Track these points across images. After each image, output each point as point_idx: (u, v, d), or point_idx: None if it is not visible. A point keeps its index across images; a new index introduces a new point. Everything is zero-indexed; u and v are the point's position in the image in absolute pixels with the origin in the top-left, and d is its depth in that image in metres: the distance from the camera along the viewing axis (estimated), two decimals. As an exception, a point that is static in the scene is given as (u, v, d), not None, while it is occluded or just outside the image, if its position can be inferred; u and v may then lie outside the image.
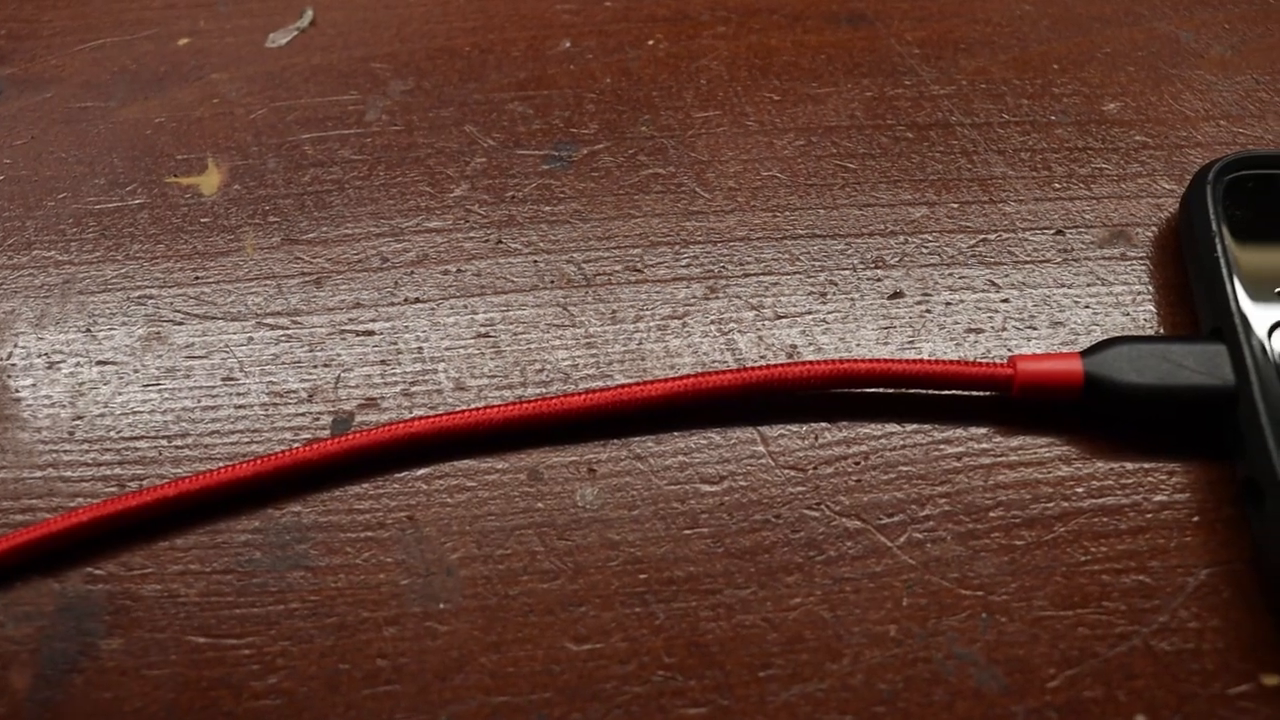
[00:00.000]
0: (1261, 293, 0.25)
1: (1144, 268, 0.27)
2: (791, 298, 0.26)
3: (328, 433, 0.25)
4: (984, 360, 0.25)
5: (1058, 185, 0.28)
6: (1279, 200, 0.26)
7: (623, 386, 0.24)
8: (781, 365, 0.24)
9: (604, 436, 0.25)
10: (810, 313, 0.26)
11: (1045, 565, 0.23)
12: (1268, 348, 0.25)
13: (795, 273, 0.26)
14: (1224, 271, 0.25)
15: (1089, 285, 0.27)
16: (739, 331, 0.26)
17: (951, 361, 0.24)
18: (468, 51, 0.30)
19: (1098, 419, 0.25)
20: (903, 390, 0.25)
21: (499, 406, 0.24)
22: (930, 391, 0.25)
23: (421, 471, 0.24)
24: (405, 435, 0.24)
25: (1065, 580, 0.23)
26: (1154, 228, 0.27)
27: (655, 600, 0.23)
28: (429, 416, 0.24)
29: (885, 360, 0.24)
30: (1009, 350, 0.26)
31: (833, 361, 0.24)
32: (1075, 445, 0.25)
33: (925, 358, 0.25)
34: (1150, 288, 0.27)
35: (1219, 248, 0.26)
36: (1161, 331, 0.26)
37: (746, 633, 0.23)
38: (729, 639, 0.23)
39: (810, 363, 0.24)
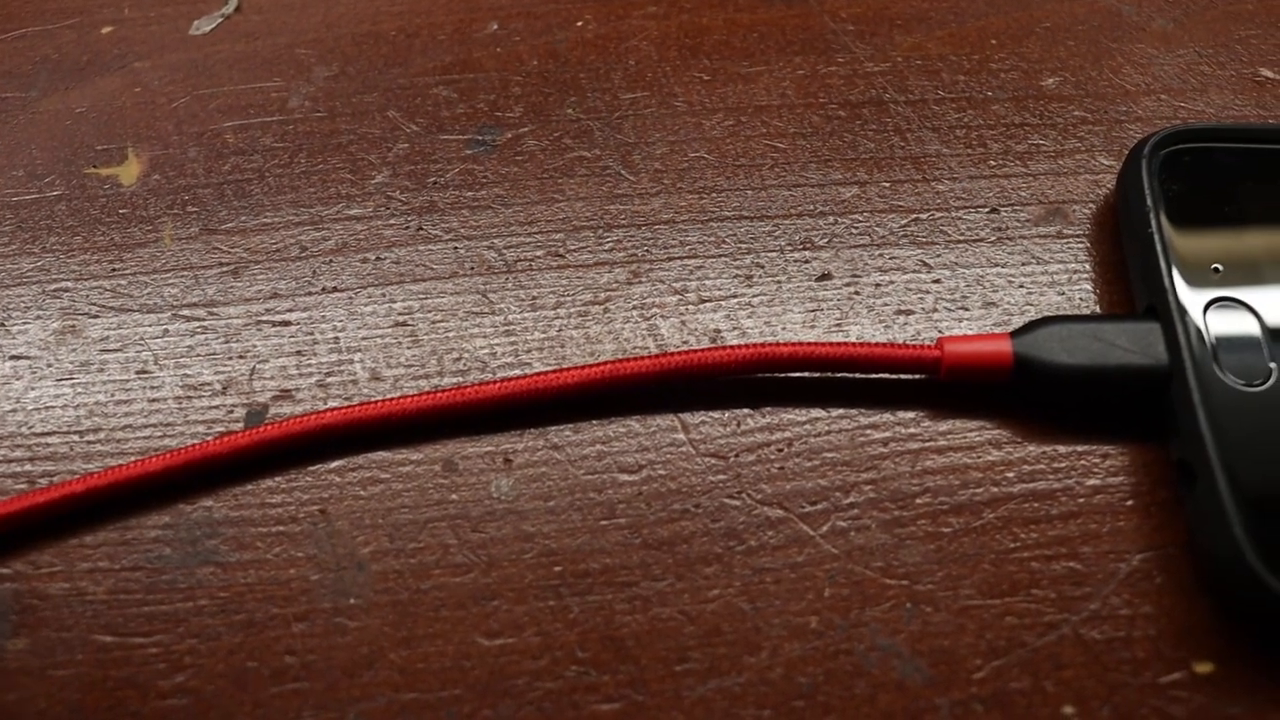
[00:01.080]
0: (1197, 270, 0.25)
1: (1081, 246, 0.26)
2: (716, 281, 0.26)
3: (241, 425, 0.24)
4: (912, 342, 0.25)
5: (993, 162, 0.27)
6: (1216, 174, 0.26)
7: (539, 375, 0.24)
8: (701, 351, 0.24)
9: (521, 426, 0.24)
10: (735, 296, 0.25)
11: (973, 553, 0.23)
12: (1202, 326, 0.24)
13: (721, 255, 0.26)
14: (1158, 248, 0.25)
15: (1023, 264, 0.26)
16: (661, 317, 0.25)
17: (877, 344, 0.24)
18: (393, 36, 0.29)
19: (1030, 401, 0.24)
20: (829, 375, 0.24)
21: (413, 397, 0.24)
22: (858, 376, 0.24)
23: (335, 464, 0.24)
24: (317, 427, 0.24)
25: (993, 568, 0.23)
26: (1092, 205, 0.27)
27: (570, 593, 0.22)
28: (341, 408, 0.24)
29: (808, 344, 0.24)
30: (940, 332, 0.25)
31: (754, 346, 0.24)
32: (1007, 429, 0.24)
33: (850, 340, 0.24)
34: (1087, 266, 0.26)
35: (1153, 224, 0.25)
36: (1098, 311, 0.25)
37: (663, 626, 0.22)
38: (644, 632, 0.22)
39: (731, 348, 0.24)
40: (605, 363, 0.24)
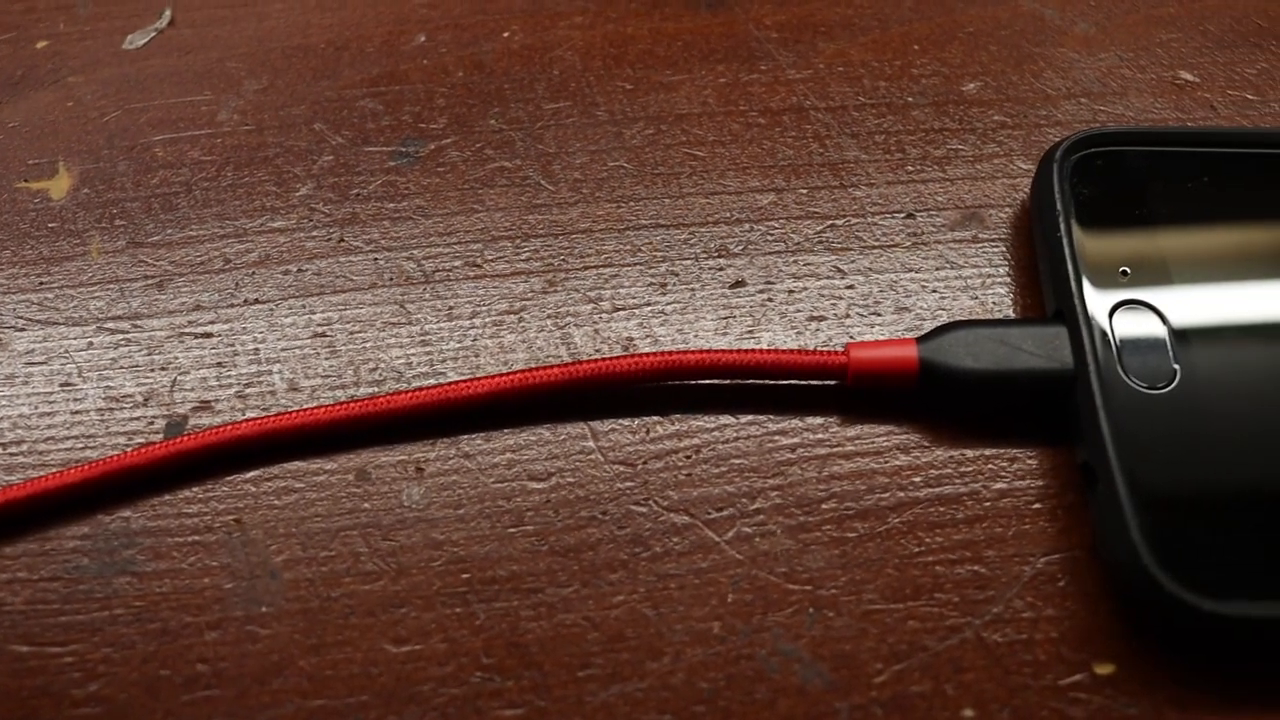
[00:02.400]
0: (1105, 273, 0.25)
1: (996, 250, 0.26)
2: (631, 289, 0.26)
3: (161, 437, 0.25)
4: (822, 349, 0.25)
5: (911, 168, 0.27)
6: (1128, 178, 0.26)
7: (450, 385, 0.24)
8: (609, 359, 0.24)
9: (434, 435, 0.24)
10: (649, 304, 0.26)
11: (877, 558, 0.23)
12: (1108, 330, 0.24)
13: (636, 264, 0.26)
14: (1066, 251, 0.25)
15: (938, 269, 0.26)
16: (575, 325, 0.25)
17: (783, 351, 0.24)
18: (323, 49, 0.30)
19: (937, 407, 0.24)
20: (740, 381, 0.25)
21: (326, 407, 0.24)
22: (769, 382, 0.25)
23: (251, 474, 0.24)
24: (232, 438, 0.24)
25: (897, 572, 0.23)
26: (1009, 209, 0.27)
27: (476, 600, 0.23)
28: (256, 419, 0.24)
29: (715, 352, 0.24)
30: (851, 337, 0.25)
31: (661, 355, 0.24)
32: (915, 433, 0.24)
33: (757, 348, 0.24)
34: (1001, 270, 0.26)
35: (1062, 227, 0.25)
36: (1011, 315, 0.26)
37: (567, 632, 0.22)
38: (549, 638, 0.22)
39: (638, 356, 0.24)
40: (514, 372, 0.24)
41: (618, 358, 0.24)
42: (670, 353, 0.24)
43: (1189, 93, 0.29)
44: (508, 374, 0.24)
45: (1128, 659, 0.22)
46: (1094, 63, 0.29)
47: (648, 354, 0.24)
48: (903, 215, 0.27)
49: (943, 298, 0.26)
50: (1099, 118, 0.28)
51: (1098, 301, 0.24)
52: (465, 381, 0.24)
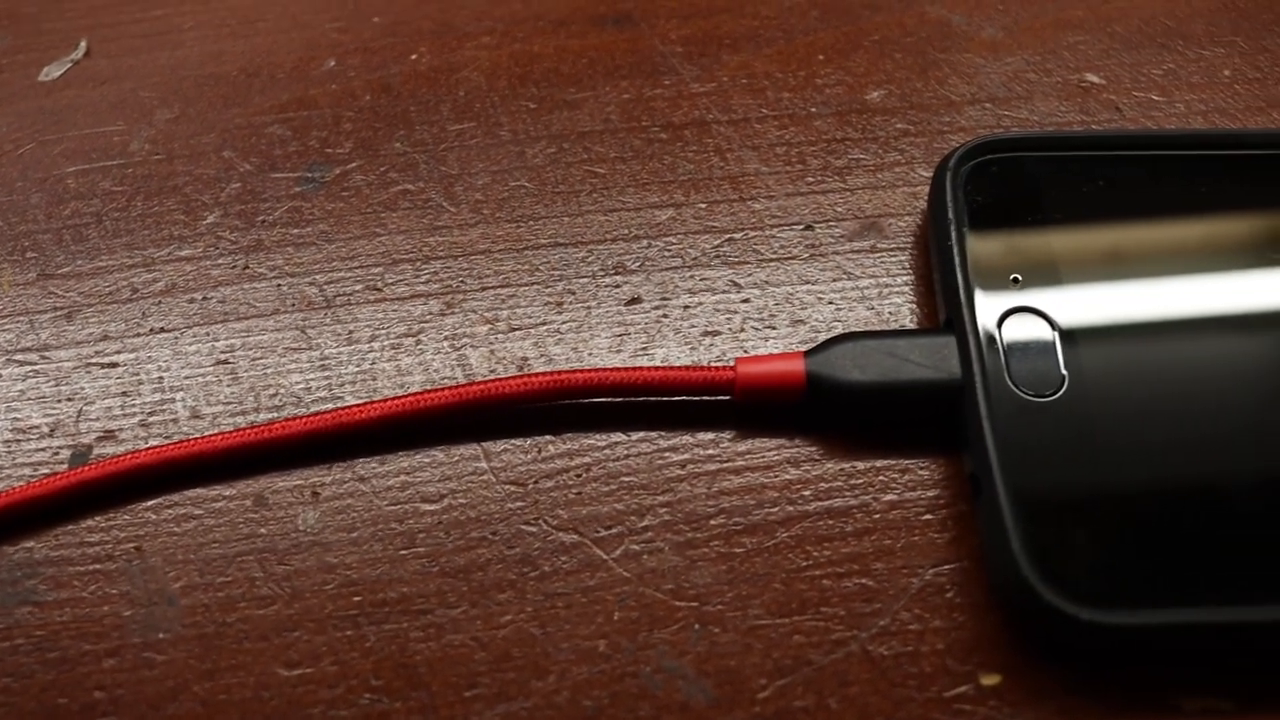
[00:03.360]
0: (995, 280, 0.25)
1: (894, 259, 0.26)
2: (528, 309, 0.26)
3: (66, 467, 0.25)
4: (714, 364, 0.25)
5: (811, 179, 0.27)
6: (1023, 184, 0.26)
7: (342, 409, 0.24)
8: (497, 380, 0.24)
9: (330, 460, 0.24)
10: (545, 323, 0.26)
11: (764, 572, 0.23)
12: (997, 337, 0.24)
13: (534, 283, 0.26)
14: (955, 259, 0.25)
15: (835, 280, 0.26)
16: (471, 346, 0.26)
17: (671, 368, 0.24)
18: (234, 76, 0.30)
19: (830, 420, 0.24)
20: (632, 399, 0.25)
21: (223, 434, 0.24)
22: (662, 399, 0.25)
23: (152, 502, 0.24)
24: (131, 467, 0.24)
25: (784, 587, 0.23)
26: (908, 217, 0.27)
27: (367, 622, 0.23)
28: (155, 447, 0.24)
29: (603, 370, 0.24)
30: (745, 352, 0.25)
31: (550, 374, 0.24)
32: (806, 447, 0.24)
33: (645, 365, 0.24)
34: (899, 280, 0.26)
35: (953, 235, 0.25)
36: (908, 325, 0.26)
37: (455, 652, 0.23)
38: (437, 659, 0.23)
39: (526, 376, 0.24)
40: (405, 396, 0.24)
41: (506, 379, 0.24)
42: (558, 373, 0.24)
43: (1094, 95, 0.29)
44: (399, 397, 0.24)
45: (1014, 669, 0.22)
46: (1000, 67, 0.29)
47: (536, 374, 0.24)
48: (801, 227, 0.27)
49: (839, 309, 0.26)
50: (1003, 123, 0.28)
51: (988, 309, 0.24)
52: (358, 406, 0.24)
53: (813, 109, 0.28)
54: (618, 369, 0.24)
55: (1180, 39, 0.30)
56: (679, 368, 0.24)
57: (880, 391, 0.24)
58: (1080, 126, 0.28)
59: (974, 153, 0.26)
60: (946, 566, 0.23)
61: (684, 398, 0.25)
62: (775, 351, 0.25)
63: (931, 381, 0.24)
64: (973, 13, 0.30)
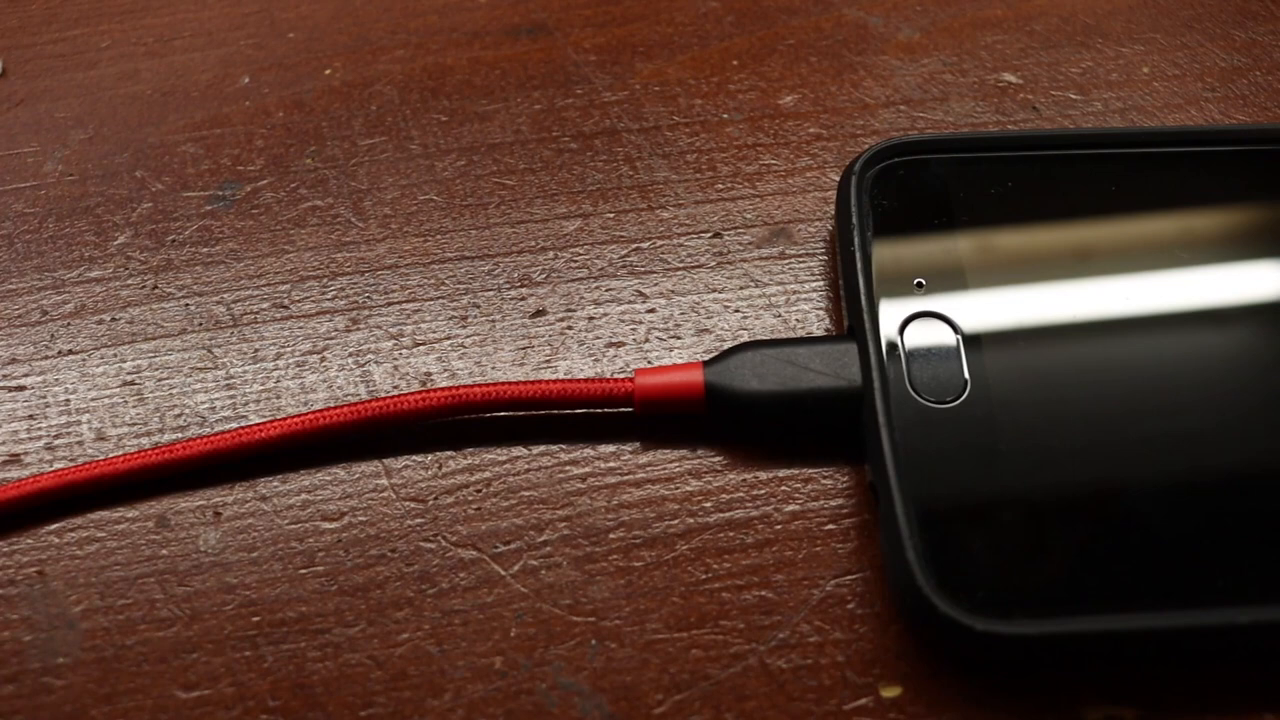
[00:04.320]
0: (899, 285, 0.24)
1: (803, 265, 0.26)
2: (433, 324, 0.26)
3: (-28, 491, 0.25)
4: (617, 376, 0.25)
5: (721, 186, 0.27)
6: (930, 187, 0.26)
7: (242, 429, 0.24)
8: (395, 397, 0.24)
9: (233, 479, 0.24)
10: (449, 338, 0.26)
11: (663, 586, 0.23)
12: (899, 343, 0.24)
13: (439, 298, 0.26)
14: (857, 265, 0.24)
15: (742, 288, 0.26)
16: (375, 362, 0.25)
17: (571, 380, 0.24)
18: (149, 95, 0.30)
19: (732, 430, 0.24)
20: (535, 413, 0.24)
21: (125, 456, 0.24)
22: (565, 412, 0.24)
23: (55, 525, 0.24)
24: (33, 491, 0.24)
25: (683, 601, 0.23)
26: (818, 222, 0.27)
27: (265, 643, 0.23)
28: (56, 471, 0.24)
29: (502, 384, 0.24)
30: (649, 362, 0.25)
31: (448, 389, 0.24)
32: (709, 458, 0.24)
33: (544, 378, 0.24)
34: (807, 286, 0.26)
35: (856, 241, 0.25)
36: (814, 332, 0.25)
37: (351, 672, 0.22)
38: (334, 679, 0.22)
39: (425, 392, 0.24)
40: (304, 414, 0.24)
41: (404, 395, 0.24)
42: (456, 388, 0.24)
43: (1011, 95, 0.28)
44: (299, 416, 0.24)
45: (915, 681, 0.22)
46: (916, 69, 0.29)
47: (435, 390, 0.24)
48: (709, 235, 0.27)
49: (745, 317, 0.25)
50: (918, 125, 0.28)
51: (890, 315, 0.24)
52: (258, 425, 0.24)
53: (725, 115, 0.28)
54: (516, 383, 0.24)
55: (1099, 37, 0.29)
56: (577, 380, 0.24)
57: (779, 401, 0.24)
58: (996, 127, 0.28)
59: (880, 156, 0.26)
60: (848, 577, 0.23)
61: (587, 410, 0.24)
62: (679, 362, 0.25)
63: (831, 390, 0.23)
64: (890, 14, 0.30)
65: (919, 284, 0.24)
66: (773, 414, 0.24)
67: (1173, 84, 0.29)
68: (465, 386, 0.24)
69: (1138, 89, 0.29)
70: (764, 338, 0.25)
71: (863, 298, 0.24)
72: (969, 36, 0.29)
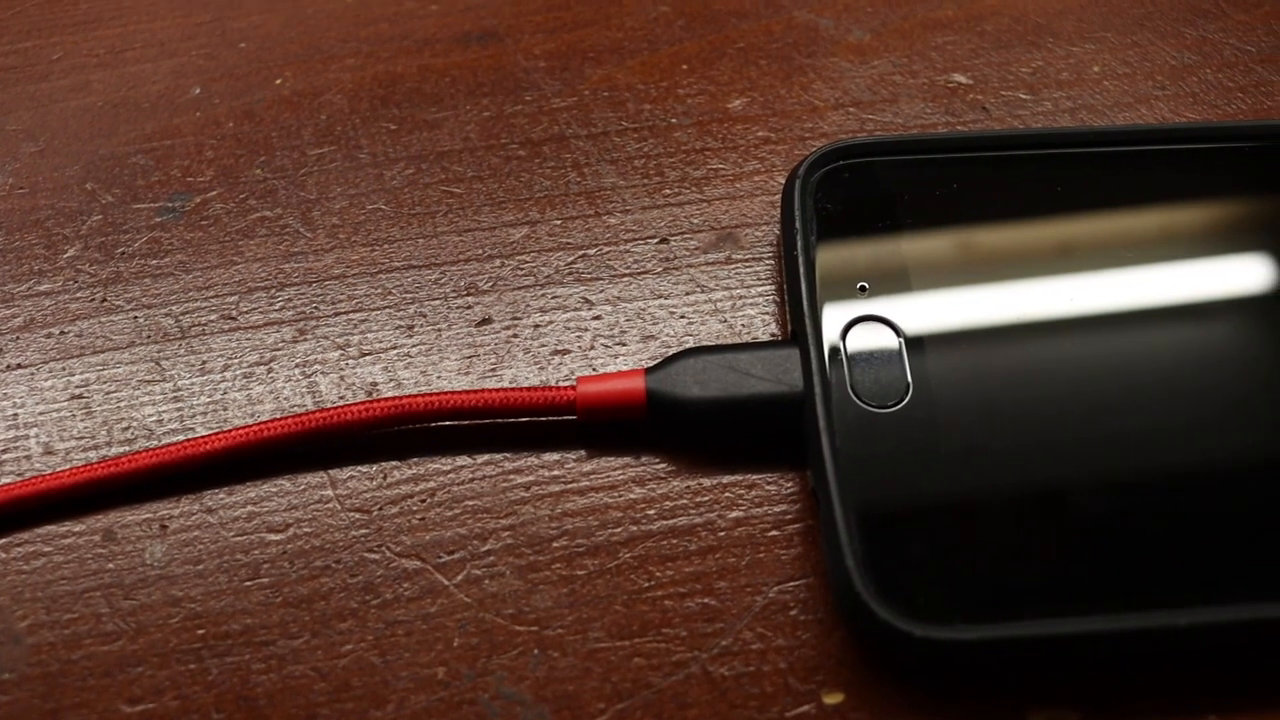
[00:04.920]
0: (842, 289, 0.24)
1: (749, 270, 0.26)
2: (379, 333, 0.26)
3: (-79, 507, 0.25)
4: (561, 384, 0.25)
5: (669, 191, 0.27)
6: (875, 190, 0.25)
7: (187, 441, 0.24)
8: (338, 408, 0.24)
9: (180, 492, 0.24)
10: (395, 347, 0.26)
11: (605, 594, 0.23)
12: (841, 348, 0.24)
13: (386, 307, 0.26)
14: (800, 269, 0.24)
15: (688, 294, 0.26)
16: (322, 373, 0.25)
17: (513, 389, 0.24)
18: (100, 106, 0.30)
19: (675, 437, 0.24)
20: (480, 422, 0.24)
21: (71, 470, 0.24)
22: (509, 420, 0.24)
23: (1, 541, 0.24)
24: (-20, 506, 0.24)
25: (625, 609, 0.23)
26: (765, 227, 0.27)
27: (210, 655, 0.23)
28: (4, 486, 0.24)
29: (445, 394, 0.24)
30: (594, 370, 0.25)
31: (391, 400, 0.24)
32: (653, 465, 0.24)
33: (487, 387, 0.24)
34: (754, 291, 0.26)
35: (799, 245, 0.25)
36: (760, 337, 0.25)
37: (295, 683, 0.22)
38: (277, 691, 0.22)
39: (369, 403, 0.24)
40: (250, 426, 0.24)
41: (347, 406, 0.24)
42: (400, 398, 0.24)
43: (961, 95, 0.28)
44: (244, 428, 0.24)
45: (857, 687, 0.22)
46: (866, 71, 0.29)
47: (378, 401, 0.24)
48: (656, 240, 0.27)
49: (690, 323, 0.25)
50: (867, 127, 0.28)
51: (833, 319, 0.24)
52: (204, 438, 0.24)
53: (673, 120, 0.28)
54: (458, 393, 0.24)
55: (1050, 36, 0.29)
56: (520, 389, 0.24)
57: (720, 407, 0.23)
58: (945, 128, 0.28)
59: (824, 160, 0.26)
60: (791, 583, 0.23)
61: (531, 419, 0.24)
62: (624, 369, 0.25)
63: (772, 395, 0.23)
64: (842, 16, 0.30)
65: (862, 288, 0.24)
66: (714, 420, 0.24)
67: (1123, 82, 0.29)
68: (408, 397, 0.24)
69: (1088, 88, 0.29)
70: (706, 344, 0.25)
71: (805, 303, 0.24)
72: (920, 38, 0.29)
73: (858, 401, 0.23)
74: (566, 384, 0.24)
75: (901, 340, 0.24)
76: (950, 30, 0.29)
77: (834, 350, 0.24)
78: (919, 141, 0.26)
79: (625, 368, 0.25)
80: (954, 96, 0.28)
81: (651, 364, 0.25)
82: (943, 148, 0.26)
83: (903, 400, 0.23)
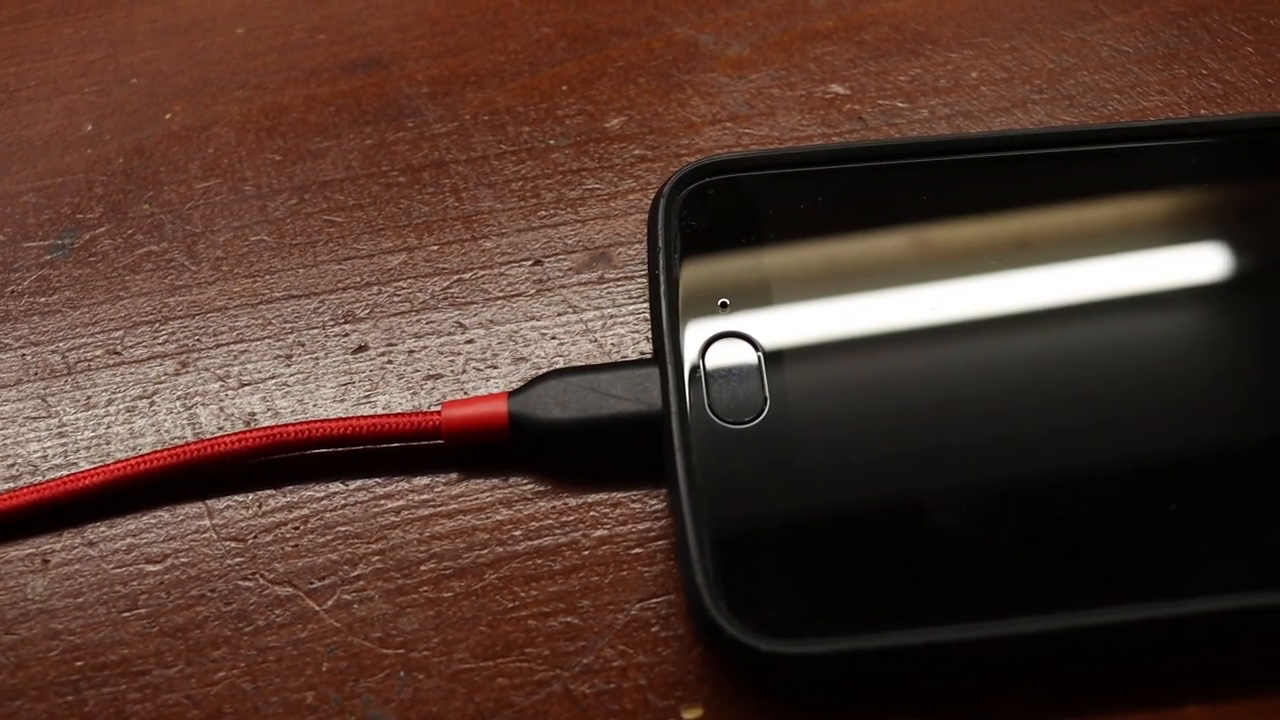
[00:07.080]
0: (704, 306, 0.25)
1: (621, 289, 0.26)
2: (259, 364, 0.26)
3: None
4: (429, 409, 0.25)
5: (544, 213, 0.27)
6: (740, 206, 0.26)
7: (68, 476, 0.25)
8: (210, 440, 0.24)
9: (62, 526, 0.25)
10: (274, 377, 0.26)
11: (471, 616, 0.23)
12: (700, 365, 0.24)
13: (266, 337, 0.27)
14: (660, 286, 0.25)
15: (560, 314, 0.26)
16: (202, 404, 0.26)
17: (380, 416, 0.24)
18: (-5, 147, 0.31)
19: (541, 459, 0.24)
20: (353, 449, 0.25)
21: (-46, 509, 0.25)
22: (382, 446, 0.25)
23: (-110, 579, 0.25)
24: None
25: (490, 630, 0.23)
26: (638, 245, 0.27)
27: (88, 686, 0.23)
28: (-110, 526, 0.25)
29: (313, 422, 0.24)
30: (465, 394, 0.25)
31: (263, 430, 0.24)
32: (521, 486, 0.24)
33: (354, 415, 0.25)
34: (625, 310, 0.26)
35: (661, 263, 0.25)
36: (630, 356, 0.26)
37: (169, 712, 0.23)
38: (151, 719, 0.23)
39: (240, 434, 0.24)
40: (128, 459, 0.25)
41: (222, 437, 0.24)
42: (272, 428, 0.24)
43: (838, 106, 0.29)
44: (123, 461, 0.25)
45: (717, 702, 0.22)
46: (744, 85, 0.29)
47: (253, 430, 0.24)
48: (530, 262, 0.27)
49: (561, 344, 0.26)
50: (743, 141, 0.28)
51: (694, 336, 0.24)
52: (83, 473, 0.25)
53: (551, 141, 0.28)
54: (328, 421, 0.24)
55: (929, 43, 0.29)
56: (388, 415, 0.24)
57: (581, 428, 0.24)
58: (822, 139, 0.28)
59: (690, 177, 0.26)
60: (654, 600, 0.23)
61: (402, 444, 0.25)
62: (493, 392, 0.25)
63: (632, 415, 0.24)
64: (722, 31, 0.30)
65: (724, 304, 0.25)
66: (575, 442, 0.24)
67: (1000, 87, 0.29)
68: (280, 426, 0.24)
69: (965, 94, 0.29)
70: (574, 364, 0.25)
71: (665, 321, 0.24)
72: (799, 49, 0.29)
73: (714, 418, 0.23)
74: (433, 409, 0.25)
75: (760, 355, 0.24)
76: (829, 41, 0.30)
77: (694, 368, 0.24)
78: (784, 155, 0.26)
79: (496, 390, 0.25)
80: (831, 107, 0.28)
81: (522, 384, 0.25)
82: (808, 160, 0.26)
83: (759, 416, 0.23)
